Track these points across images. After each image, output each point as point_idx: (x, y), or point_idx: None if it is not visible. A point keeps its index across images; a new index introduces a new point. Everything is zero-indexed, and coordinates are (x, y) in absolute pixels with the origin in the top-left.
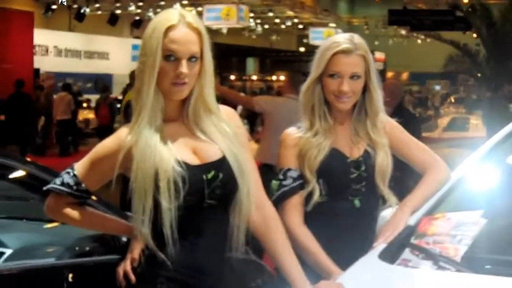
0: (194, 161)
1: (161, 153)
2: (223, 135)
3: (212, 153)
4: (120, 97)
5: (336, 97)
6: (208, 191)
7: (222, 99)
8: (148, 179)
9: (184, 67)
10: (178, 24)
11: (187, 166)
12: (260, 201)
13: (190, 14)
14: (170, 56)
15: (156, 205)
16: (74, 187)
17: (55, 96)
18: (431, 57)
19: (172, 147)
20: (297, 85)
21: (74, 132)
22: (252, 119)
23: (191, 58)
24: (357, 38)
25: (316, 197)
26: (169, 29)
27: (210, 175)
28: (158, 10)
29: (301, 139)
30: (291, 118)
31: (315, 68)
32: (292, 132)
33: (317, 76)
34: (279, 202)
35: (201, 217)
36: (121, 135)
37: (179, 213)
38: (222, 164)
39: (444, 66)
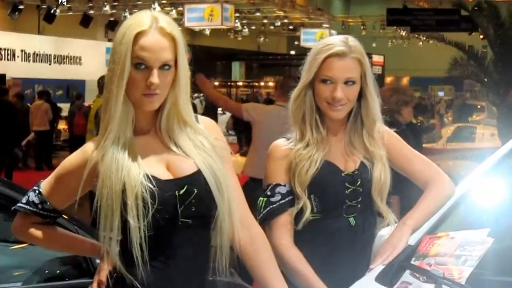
0: (165, 175)
1: (129, 168)
2: (199, 148)
3: (187, 167)
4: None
5: (329, 104)
6: (182, 208)
7: (211, 105)
8: (115, 196)
9: (155, 77)
10: (149, 30)
11: (157, 181)
12: (246, 220)
13: (164, 18)
14: (140, 64)
15: (124, 223)
16: (40, 206)
17: (30, 105)
18: (434, 60)
19: (141, 161)
20: (288, 91)
21: (49, 145)
22: (240, 129)
23: (163, 66)
24: (352, 40)
25: (307, 214)
26: (139, 35)
27: (182, 191)
28: (135, 10)
29: (291, 151)
30: (282, 129)
31: (306, 72)
32: (281, 144)
33: (308, 81)
34: (266, 220)
35: (175, 237)
36: (87, 149)
37: (149, 233)
38: (196, 179)
39: (448, 70)
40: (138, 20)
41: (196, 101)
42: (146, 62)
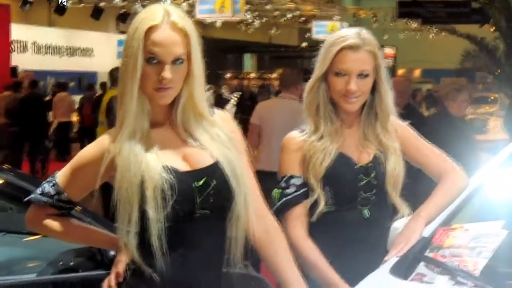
0: (183, 167)
1: (147, 160)
2: (216, 141)
3: (204, 159)
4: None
5: (343, 97)
6: (200, 200)
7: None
8: (134, 188)
9: (167, 72)
10: (161, 24)
11: (176, 173)
12: (260, 211)
13: (177, 12)
14: (152, 59)
15: (143, 215)
16: (56, 197)
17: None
18: (446, 52)
19: (159, 153)
20: (292, 83)
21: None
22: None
23: (176, 61)
24: (365, 32)
25: (321, 206)
26: (151, 29)
27: (201, 182)
28: (146, 2)
29: (305, 143)
30: (287, 120)
31: (320, 65)
32: (295, 136)
33: (322, 74)
34: (281, 212)
35: (193, 228)
36: (104, 141)
37: (168, 224)
38: (214, 170)
39: (460, 62)
40: (150, 14)
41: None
42: (158, 57)
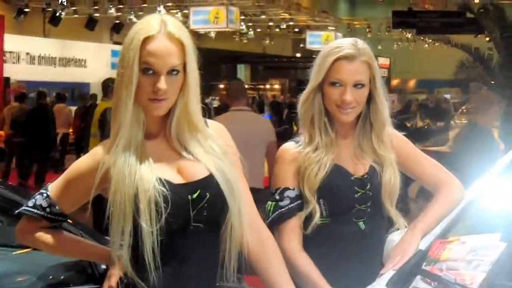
0: (177, 180)
1: (141, 172)
2: (209, 153)
3: (198, 172)
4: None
5: (338, 107)
6: (194, 213)
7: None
8: (127, 200)
9: (162, 83)
10: (157, 35)
11: (170, 185)
12: (255, 224)
13: (173, 22)
14: (147, 70)
15: (136, 228)
16: (48, 210)
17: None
18: (440, 63)
19: (153, 165)
20: (240, 94)
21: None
22: None
23: (171, 72)
24: (361, 43)
25: (316, 219)
26: (147, 40)
27: (195, 195)
28: (140, 13)
29: (300, 154)
30: (244, 130)
31: (315, 75)
32: (290, 147)
33: (317, 84)
34: (275, 224)
35: (186, 242)
36: (98, 153)
37: (161, 237)
38: (208, 183)
39: (454, 72)
40: (146, 25)
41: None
42: (153, 67)
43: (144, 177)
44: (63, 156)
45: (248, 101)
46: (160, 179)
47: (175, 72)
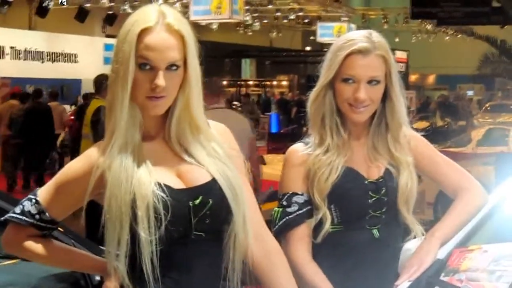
0: (178, 185)
1: (139, 176)
2: (213, 157)
3: (200, 176)
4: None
5: (350, 106)
6: (196, 221)
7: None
8: (124, 206)
9: (160, 79)
10: (155, 27)
11: (170, 190)
12: (260, 232)
13: (172, 13)
14: (145, 65)
15: (134, 237)
16: (37, 217)
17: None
18: (462, 56)
19: (152, 169)
20: (217, 91)
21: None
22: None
23: (170, 67)
24: (376, 35)
25: (327, 226)
26: (143, 32)
27: (197, 201)
28: (136, 3)
29: (309, 156)
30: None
31: (326, 71)
32: (299, 149)
33: (328, 80)
34: (282, 233)
35: (187, 251)
36: (92, 155)
37: (160, 246)
38: (211, 188)
39: (477, 67)
40: (143, 16)
41: None
42: (151, 62)
43: (142, 181)
44: (63, 159)
45: (224, 98)
46: (159, 184)
47: (174, 68)
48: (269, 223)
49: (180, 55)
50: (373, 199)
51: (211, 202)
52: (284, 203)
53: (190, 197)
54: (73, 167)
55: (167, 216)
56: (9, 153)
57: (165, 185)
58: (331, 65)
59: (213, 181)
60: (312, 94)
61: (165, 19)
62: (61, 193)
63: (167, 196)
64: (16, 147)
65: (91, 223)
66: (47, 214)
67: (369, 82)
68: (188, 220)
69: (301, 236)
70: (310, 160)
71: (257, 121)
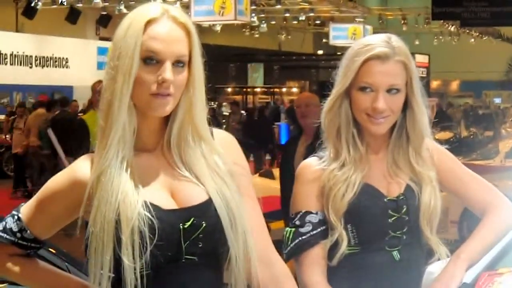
0: (169, 204)
1: (125, 195)
2: (212, 170)
3: (194, 195)
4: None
5: (368, 116)
6: (187, 244)
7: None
8: (107, 229)
9: (168, 72)
10: (160, 18)
11: (158, 211)
12: (267, 255)
13: (176, 8)
14: (150, 59)
15: (118, 260)
16: (18, 235)
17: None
18: (489, 60)
19: (141, 185)
20: None
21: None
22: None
23: (177, 63)
24: (395, 39)
25: (343, 248)
26: (149, 23)
27: (188, 224)
28: (132, 3)
29: (324, 172)
30: None
31: (342, 79)
32: (312, 164)
33: (344, 89)
34: (295, 255)
35: (180, 276)
36: (76, 169)
37: (148, 271)
38: (206, 210)
39: (506, 72)
40: (145, 10)
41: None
42: (157, 55)
43: (127, 201)
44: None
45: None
46: (146, 204)
47: (181, 64)
48: (278, 243)
49: (186, 51)
50: (393, 218)
51: (204, 224)
52: (297, 222)
53: (180, 219)
54: (55, 182)
55: (153, 240)
56: (35, 164)
57: (153, 205)
58: (347, 72)
59: (209, 201)
60: (327, 104)
61: (169, 12)
62: (43, 210)
63: (154, 217)
64: (45, 158)
65: None
66: (28, 232)
67: (388, 90)
68: (177, 244)
69: (315, 259)
70: (324, 176)
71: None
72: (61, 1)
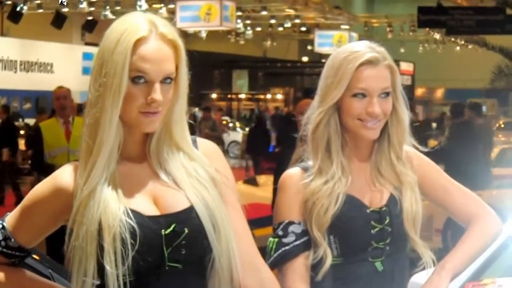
0: (151, 211)
1: (107, 203)
2: (192, 177)
3: (177, 202)
4: None
5: (362, 122)
6: (169, 251)
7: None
8: (89, 236)
9: (157, 93)
10: (149, 36)
11: (139, 217)
12: (253, 262)
13: (162, 21)
14: (139, 78)
15: (101, 267)
16: (2, 243)
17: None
18: (474, 69)
19: (122, 193)
20: None
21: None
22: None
23: (165, 80)
24: (376, 45)
25: (327, 264)
26: (138, 42)
27: (169, 230)
28: (117, 8)
29: (308, 186)
30: None
31: (332, 90)
32: (295, 175)
33: (337, 100)
34: (278, 265)
35: (162, 284)
36: (60, 178)
37: (131, 278)
38: (188, 217)
39: (490, 81)
40: (133, 24)
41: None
42: (146, 75)
43: (109, 209)
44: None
45: None
46: (128, 210)
47: (168, 81)
48: (262, 249)
49: (174, 67)
50: (376, 229)
51: (186, 231)
52: (280, 233)
53: (162, 225)
54: (39, 190)
55: (134, 246)
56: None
57: (135, 211)
58: (338, 82)
59: (191, 208)
60: (316, 118)
61: (158, 28)
62: (27, 218)
63: (135, 223)
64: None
65: (52, 240)
66: (13, 240)
67: (379, 94)
68: (160, 250)
69: (298, 268)
70: (308, 190)
71: (220, 140)
72: (46, 6)
